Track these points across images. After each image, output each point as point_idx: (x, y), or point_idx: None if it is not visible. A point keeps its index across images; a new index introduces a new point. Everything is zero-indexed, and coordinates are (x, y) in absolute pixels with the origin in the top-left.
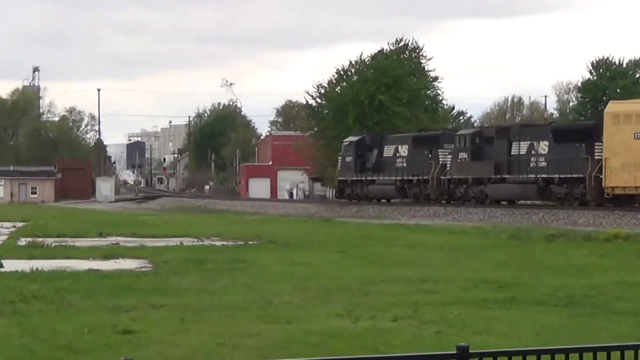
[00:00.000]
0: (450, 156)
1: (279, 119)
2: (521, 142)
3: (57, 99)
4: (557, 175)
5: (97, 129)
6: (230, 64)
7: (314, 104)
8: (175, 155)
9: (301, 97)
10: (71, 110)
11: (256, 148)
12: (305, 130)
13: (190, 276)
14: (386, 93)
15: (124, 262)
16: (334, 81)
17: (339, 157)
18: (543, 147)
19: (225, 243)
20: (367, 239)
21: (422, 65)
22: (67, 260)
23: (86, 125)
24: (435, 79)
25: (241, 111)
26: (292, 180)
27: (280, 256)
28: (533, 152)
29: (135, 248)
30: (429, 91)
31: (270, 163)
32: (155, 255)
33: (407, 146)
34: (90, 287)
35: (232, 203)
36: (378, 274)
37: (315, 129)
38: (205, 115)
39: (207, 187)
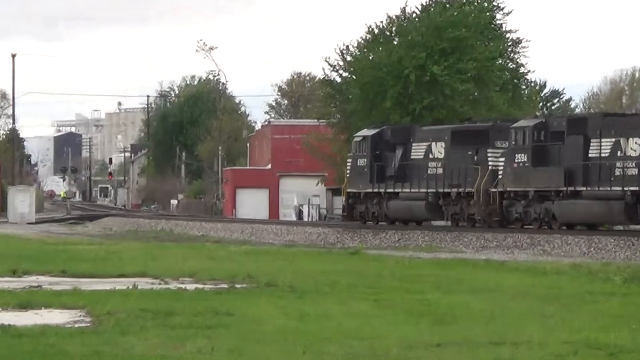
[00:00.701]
0: (503, 159)
1: (282, 101)
2: (603, 140)
3: None
4: None
5: (10, 113)
6: (209, 17)
7: (336, 78)
8: (127, 155)
9: (316, 68)
10: None
11: (248, 144)
12: (322, 118)
13: (149, 336)
14: (442, 63)
15: (49, 315)
16: (364, 45)
17: (348, 160)
18: (634, 146)
19: (201, 287)
20: (413, 282)
21: (498, 22)
22: None
23: None
24: (518, 43)
25: (226, 88)
26: (301, 192)
27: (283, 306)
28: (619, 153)
29: (66, 293)
30: (508, 61)
31: (269, 166)
32: (96, 305)
33: (443, 144)
34: None
35: (212, 226)
36: (430, 333)
37: (338, 116)
38: (173, 94)
39: (174, 202)
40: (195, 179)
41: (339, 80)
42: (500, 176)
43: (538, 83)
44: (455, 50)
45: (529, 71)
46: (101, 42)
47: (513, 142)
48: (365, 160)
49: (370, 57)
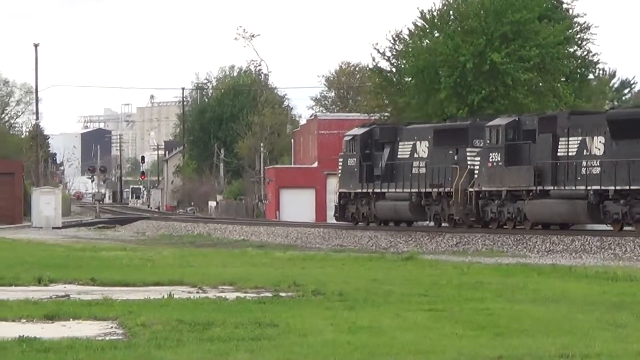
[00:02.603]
0: (479, 158)
1: (329, 93)
2: (570, 138)
3: None
4: (612, 187)
5: (33, 109)
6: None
7: (388, 67)
8: (161, 153)
9: (365, 58)
10: None
11: (292, 140)
12: (372, 111)
13: (186, 350)
14: (503, 50)
15: (77, 327)
16: (418, 31)
17: (340, 160)
18: (598, 145)
19: (242, 295)
20: (473, 290)
21: (564, 5)
22: None
23: (16, 104)
24: (586, 28)
25: (268, 80)
26: None
27: (331, 317)
28: (585, 152)
29: (96, 303)
30: (574, 48)
31: (316, 164)
32: (129, 316)
33: (427, 143)
34: None
35: (254, 230)
36: (491, 346)
37: (390, 109)
38: (210, 86)
39: (212, 204)
40: (235, 179)
41: (389, 69)
42: (476, 176)
43: (607, 72)
44: (517, 36)
45: (598, 60)
46: (133, 32)
47: (488, 141)
48: (355, 160)
49: (425, 43)
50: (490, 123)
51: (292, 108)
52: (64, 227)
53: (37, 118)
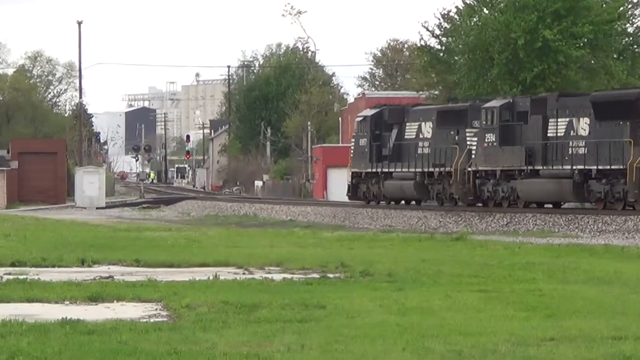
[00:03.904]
0: (476, 139)
1: (377, 71)
2: (559, 119)
3: (9, 39)
4: (594, 167)
5: (76, 87)
6: None
7: (436, 44)
8: (206, 132)
9: (414, 34)
10: (34, 57)
11: (340, 119)
12: (422, 90)
13: (232, 332)
14: (555, 27)
15: (121, 308)
16: (467, 8)
17: (352, 140)
18: (584, 126)
19: (289, 277)
20: (524, 270)
21: None
22: (28, 304)
23: (59, 81)
24: (638, 5)
25: (315, 57)
26: None
27: (380, 298)
28: (572, 133)
29: (141, 285)
30: (628, 24)
31: None
32: (174, 297)
33: (431, 124)
34: (66, 351)
35: (301, 210)
36: (542, 327)
37: (440, 88)
38: (257, 64)
39: (258, 183)
40: (282, 158)
41: (438, 47)
42: (473, 156)
43: None
44: (570, 12)
45: None
46: (177, 6)
47: (484, 122)
48: (366, 140)
49: (475, 22)
50: (486, 105)
51: (340, 86)
52: (108, 208)
53: (81, 96)
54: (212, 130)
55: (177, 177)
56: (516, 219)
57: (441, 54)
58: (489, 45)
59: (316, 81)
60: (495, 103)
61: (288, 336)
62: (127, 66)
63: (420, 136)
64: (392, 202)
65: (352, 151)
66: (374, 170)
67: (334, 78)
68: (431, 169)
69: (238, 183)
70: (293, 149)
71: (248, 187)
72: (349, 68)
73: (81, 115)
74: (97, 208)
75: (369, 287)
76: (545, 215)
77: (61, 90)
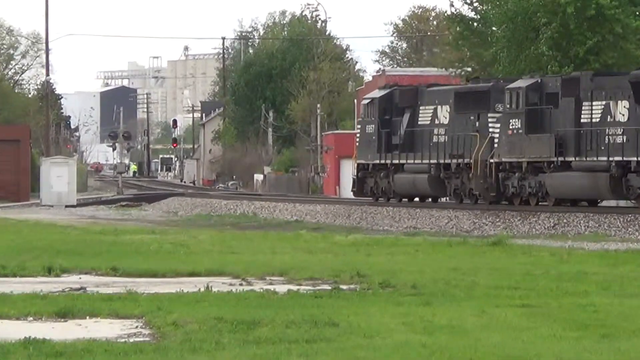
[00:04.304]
0: (499, 125)
1: (400, 44)
2: (594, 102)
3: None
4: (634, 158)
5: (43, 62)
6: None
7: (470, 12)
8: (197, 116)
9: (443, 1)
10: None
11: (355, 101)
12: (452, 66)
13: (227, 355)
14: None
15: (95, 326)
16: None
17: (357, 126)
18: (622, 110)
19: (295, 288)
20: (574, 281)
21: None
22: None
23: (22, 56)
24: None
25: (326, 27)
26: None
27: (403, 314)
28: (609, 118)
29: (118, 298)
30: None
31: None
32: (158, 313)
33: (448, 108)
34: None
35: (310, 209)
36: (597, 350)
37: (473, 64)
38: (256, 35)
39: (259, 177)
40: (287, 148)
41: (471, 16)
42: (496, 145)
43: None
44: None
45: None
46: None
47: (508, 106)
48: (373, 126)
49: None
50: (511, 85)
51: (355, 62)
52: (79, 206)
53: (48, 73)
54: (204, 114)
55: (161, 169)
56: (565, 220)
57: (475, 24)
58: (533, 14)
59: (327, 56)
60: (521, 83)
61: (293, 359)
62: (103, 38)
63: (436, 122)
64: (405, 200)
65: (357, 139)
66: (383, 161)
67: (348, 52)
68: (448, 161)
69: (234, 177)
70: (300, 137)
71: (246, 181)
72: (365, 40)
73: (48, 95)
74: (66, 206)
75: (389, 301)
76: (600, 215)
77: (24, 66)
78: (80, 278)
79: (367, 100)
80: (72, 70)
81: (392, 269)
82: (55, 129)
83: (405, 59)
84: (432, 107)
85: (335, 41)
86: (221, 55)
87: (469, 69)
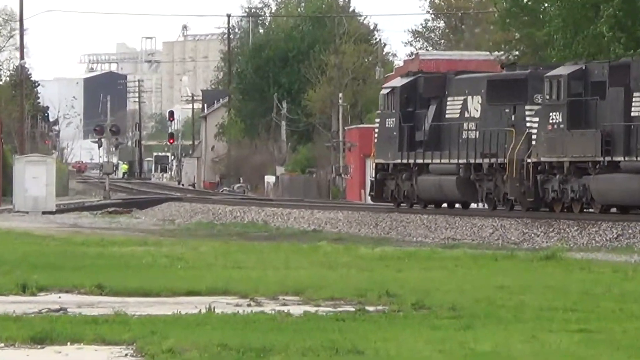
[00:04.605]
0: (537, 118)
1: (436, 23)
2: None
3: None
4: None
5: (16, 44)
6: None
7: None
8: (198, 107)
9: None
10: None
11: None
12: (498, 48)
13: None
14: None
15: (77, 354)
16: None
17: (377, 120)
18: None
19: (312, 310)
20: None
21: None
22: None
23: None
24: None
25: (350, 3)
26: None
27: (440, 340)
28: None
29: (105, 320)
30: None
31: None
32: (151, 338)
33: (480, 98)
34: None
35: (330, 217)
36: None
37: (522, 47)
38: (268, 12)
39: (270, 179)
40: (303, 144)
41: None
42: (534, 143)
43: None
44: None
45: None
46: None
47: (547, 97)
48: (394, 120)
49: None
50: (551, 73)
51: (383, 44)
52: (59, 212)
53: (23, 57)
54: (205, 105)
55: (156, 170)
56: (630, 231)
57: (525, 1)
58: None
59: (351, 36)
60: (562, 70)
61: None
62: (87, 15)
63: (466, 115)
64: (432, 206)
65: (376, 135)
66: (405, 161)
67: (375, 33)
68: (479, 160)
69: (241, 179)
70: (318, 132)
71: (255, 184)
72: (396, 19)
73: (23, 82)
74: (43, 213)
75: (424, 325)
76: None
77: None
78: (60, 297)
79: (387, 90)
80: (51, 53)
81: (427, 287)
82: (30, 122)
83: (442, 41)
84: (462, 97)
85: (360, 20)
86: (226, 35)
87: (517, 53)
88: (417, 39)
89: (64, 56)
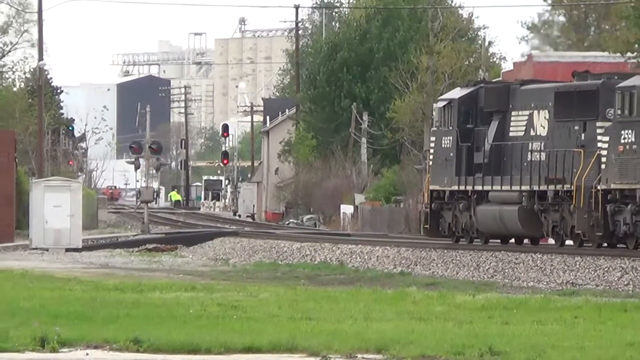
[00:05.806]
0: (607, 138)
1: (554, 17)
2: None
3: None
4: None
5: (34, 40)
6: None
7: None
8: (259, 121)
9: None
10: None
11: None
12: (630, 49)
13: None
14: None
15: None
16: None
17: (432, 138)
18: None
19: None
20: None
21: None
22: None
23: (3, 31)
24: None
25: None
26: None
27: None
28: None
29: None
30: None
31: None
32: None
33: (547, 113)
34: None
35: (420, 256)
36: None
37: None
38: (346, 5)
39: (347, 209)
40: (388, 166)
41: None
42: (603, 167)
43: None
44: None
45: None
46: None
47: (619, 112)
48: (451, 139)
49: None
50: (623, 83)
51: (489, 43)
52: (87, 249)
53: (42, 57)
54: (268, 118)
55: (206, 197)
56: None
57: None
58: None
59: (448, 33)
60: (635, 80)
61: None
62: (122, 6)
63: (532, 133)
64: (498, 241)
65: (430, 156)
66: (463, 187)
67: (478, 28)
68: (543, 187)
69: (312, 209)
70: (406, 151)
71: (329, 215)
72: (505, 11)
73: (42, 89)
74: (67, 250)
75: None
76: None
77: (6, 45)
78: (87, 354)
79: (444, 103)
80: (77, 52)
81: (540, 343)
82: (51, 138)
83: (562, 39)
84: (527, 112)
85: (460, 12)
86: (293, 31)
87: None
88: (532, 36)
89: (92, 56)
